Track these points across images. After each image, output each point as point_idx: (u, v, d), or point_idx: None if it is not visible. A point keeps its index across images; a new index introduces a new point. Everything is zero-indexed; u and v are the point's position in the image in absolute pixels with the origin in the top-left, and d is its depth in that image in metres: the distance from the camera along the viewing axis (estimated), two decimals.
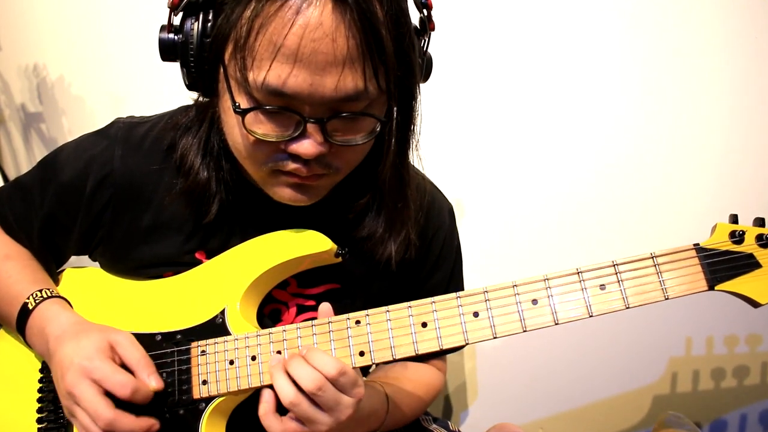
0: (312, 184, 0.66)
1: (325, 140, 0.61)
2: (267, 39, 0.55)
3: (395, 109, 0.64)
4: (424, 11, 0.63)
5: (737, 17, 1.01)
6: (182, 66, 0.63)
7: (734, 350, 1.07)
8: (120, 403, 0.63)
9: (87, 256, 0.83)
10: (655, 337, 1.13)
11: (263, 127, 0.60)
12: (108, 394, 0.63)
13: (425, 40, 0.65)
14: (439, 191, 0.87)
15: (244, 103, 0.60)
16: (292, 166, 0.63)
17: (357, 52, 0.56)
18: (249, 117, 0.60)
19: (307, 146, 0.60)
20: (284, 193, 0.67)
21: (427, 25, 0.64)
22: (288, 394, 0.61)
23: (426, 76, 0.68)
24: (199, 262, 0.76)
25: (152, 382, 0.65)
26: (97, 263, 0.83)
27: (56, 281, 0.82)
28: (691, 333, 1.10)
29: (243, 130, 0.61)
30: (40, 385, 0.75)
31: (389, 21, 0.57)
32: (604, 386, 1.20)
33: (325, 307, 0.68)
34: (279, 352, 0.67)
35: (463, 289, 0.89)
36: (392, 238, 0.73)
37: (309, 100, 0.58)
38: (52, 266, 0.83)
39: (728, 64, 1.03)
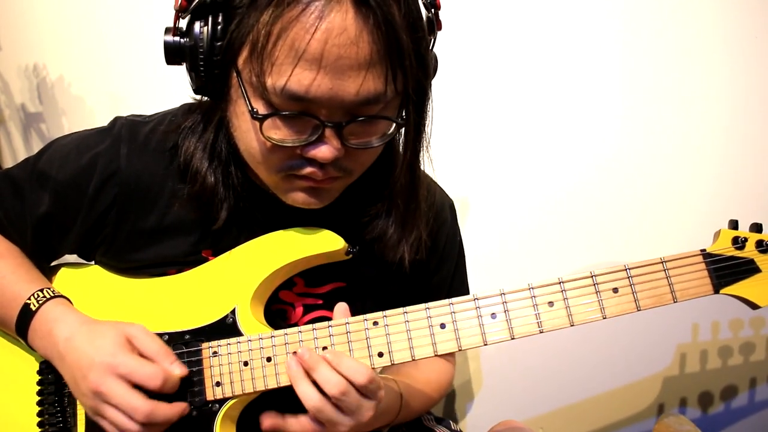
0: (326, 187, 0.66)
1: (342, 144, 0.61)
2: (288, 45, 0.55)
3: (411, 110, 0.65)
4: (432, 11, 0.64)
5: (737, 17, 1.03)
6: (190, 70, 0.62)
7: (739, 333, 1.11)
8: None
9: (80, 257, 0.81)
10: (662, 327, 1.16)
11: (280, 133, 0.60)
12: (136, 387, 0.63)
13: (432, 40, 0.66)
14: (440, 187, 0.88)
15: (260, 108, 0.59)
16: (307, 170, 0.63)
17: (378, 56, 0.56)
18: (266, 122, 0.59)
19: (324, 151, 0.60)
20: (298, 197, 0.67)
21: (435, 24, 0.65)
22: (312, 399, 0.62)
23: (434, 72, 0.69)
24: (206, 260, 0.75)
25: (176, 369, 0.65)
26: (92, 263, 0.81)
27: (50, 280, 0.79)
28: (697, 320, 1.13)
29: (260, 135, 0.61)
30: (39, 387, 0.73)
31: (406, 24, 0.58)
32: (613, 379, 1.22)
33: (342, 306, 0.68)
34: (296, 353, 0.67)
35: (467, 284, 0.91)
36: (404, 239, 0.74)
37: (328, 104, 0.58)
38: (44, 265, 0.80)
39: (728, 64, 1.05)
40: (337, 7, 0.54)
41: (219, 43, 0.59)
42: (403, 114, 0.64)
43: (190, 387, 0.68)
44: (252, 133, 0.62)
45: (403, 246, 0.74)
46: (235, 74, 0.60)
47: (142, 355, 0.66)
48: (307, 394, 0.62)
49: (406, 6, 0.58)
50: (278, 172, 0.64)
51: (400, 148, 0.70)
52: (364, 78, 0.57)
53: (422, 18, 0.61)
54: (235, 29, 0.58)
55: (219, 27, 0.59)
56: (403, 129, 0.66)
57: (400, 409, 0.77)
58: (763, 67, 1.03)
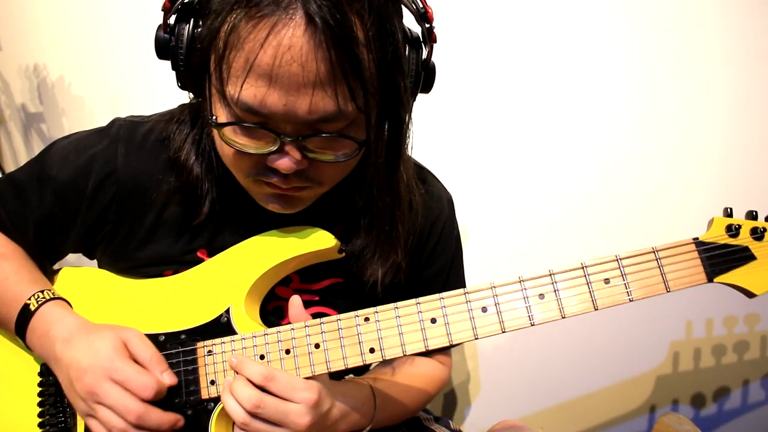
0: (294, 195, 0.66)
1: (304, 156, 0.60)
2: (243, 57, 0.55)
3: (373, 129, 0.62)
4: (425, 24, 0.62)
5: (737, 17, 1.02)
6: (173, 68, 0.63)
7: (733, 330, 1.10)
8: None
9: (84, 255, 0.82)
10: (656, 324, 1.15)
11: (241, 140, 0.60)
12: None
13: (428, 51, 0.64)
14: (438, 181, 0.87)
15: (223, 115, 0.60)
16: (272, 178, 0.63)
17: (329, 74, 0.54)
18: (228, 129, 0.60)
19: (284, 162, 0.60)
20: (268, 203, 0.67)
21: (429, 37, 0.63)
22: (238, 415, 0.62)
23: (428, 86, 0.67)
24: (201, 261, 0.75)
25: (166, 378, 0.66)
26: (94, 262, 0.82)
27: (51, 281, 0.80)
28: (691, 316, 1.12)
29: (221, 141, 0.61)
30: (41, 388, 0.74)
31: (372, 41, 0.56)
32: (607, 376, 1.22)
33: (296, 300, 0.68)
34: (229, 360, 0.68)
35: (463, 277, 0.91)
36: (380, 261, 0.73)
37: (285, 119, 0.57)
38: (47, 265, 0.81)
39: (728, 64, 1.05)
40: (289, 23, 0.53)
41: (196, 45, 0.60)
42: (373, 132, 0.61)
43: (185, 386, 0.69)
44: (219, 138, 0.63)
45: (377, 268, 0.74)
46: (207, 78, 0.60)
47: (135, 360, 0.67)
48: (231, 410, 0.62)
49: (373, 21, 0.55)
50: (246, 177, 0.65)
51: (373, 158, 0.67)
52: (312, 96, 0.55)
53: (393, 33, 0.59)
54: (204, 35, 0.58)
55: (198, 30, 0.60)
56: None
57: (376, 406, 0.75)
58: (763, 67, 1.03)
